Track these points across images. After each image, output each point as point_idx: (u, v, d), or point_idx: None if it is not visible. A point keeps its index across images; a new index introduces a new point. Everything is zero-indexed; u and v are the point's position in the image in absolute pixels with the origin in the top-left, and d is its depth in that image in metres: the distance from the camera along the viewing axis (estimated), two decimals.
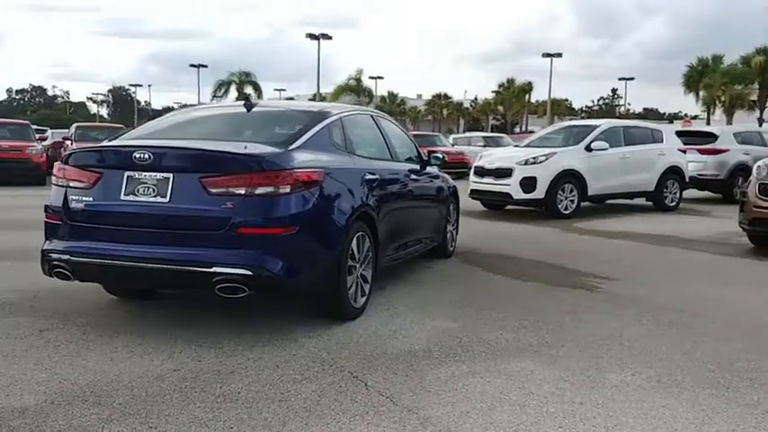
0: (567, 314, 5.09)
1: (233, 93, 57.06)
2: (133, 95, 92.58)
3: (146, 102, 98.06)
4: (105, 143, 4.76)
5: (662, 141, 13.17)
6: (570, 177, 11.62)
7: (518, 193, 11.46)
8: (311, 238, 4.27)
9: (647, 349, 4.26)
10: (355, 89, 56.77)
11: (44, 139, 21.96)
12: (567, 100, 79.36)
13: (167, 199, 4.11)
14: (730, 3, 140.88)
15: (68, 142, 20.45)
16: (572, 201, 11.68)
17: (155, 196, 4.13)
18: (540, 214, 11.75)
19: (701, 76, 41.29)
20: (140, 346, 4.15)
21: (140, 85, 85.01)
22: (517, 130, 62.46)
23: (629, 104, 62.25)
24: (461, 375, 3.74)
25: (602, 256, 7.86)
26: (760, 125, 37.33)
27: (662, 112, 75.35)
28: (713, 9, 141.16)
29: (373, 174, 5.20)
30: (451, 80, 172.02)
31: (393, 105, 76.95)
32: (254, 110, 5.30)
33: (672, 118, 64.22)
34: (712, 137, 15.03)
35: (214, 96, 54.47)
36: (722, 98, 38.81)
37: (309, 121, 4.92)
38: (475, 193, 12.36)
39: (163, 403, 3.29)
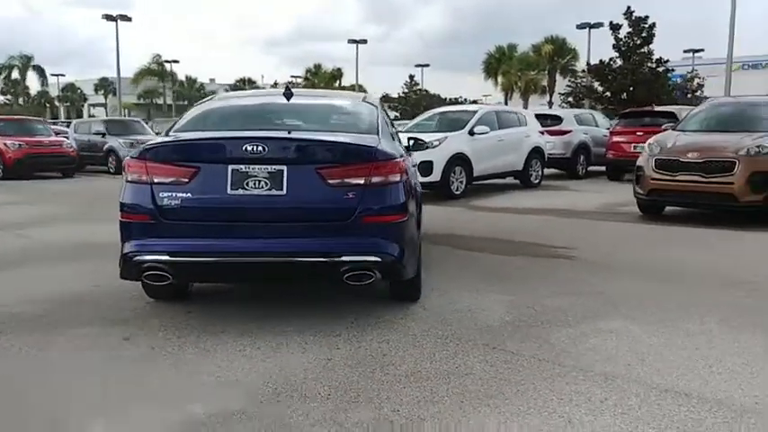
0: (581, 282, 5.74)
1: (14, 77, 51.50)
2: None
3: None
4: (188, 136, 4.49)
5: (526, 124, 14.54)
6: (459, 160, 12.46)
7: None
8: (412, 223, 4.47)
9: (682, 303, 5.01)
10: (158, 73, 53.93)
11: None
12: (361, 86, 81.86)
13: (284, 191, 4.06)
14: None
15: None
16: (461, 182, 12.54)
17: (269, 189, 4.06)
18: (434, 196, 12.41)
19: (499, 63, 45.28)
20: (260, 341, 4.09)
21: None
22: None
23: (427, 90, 65.58)
24: (579, 336, 4.21)
25: (531, 230, 8.70)
26: (550, 107, 41.79)
27: (443, 97, 79.55)
28: (486, 2, 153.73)
29: (412, 161, 5.46)
30: (239, 64, 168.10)
31: (192, 90, 74.14)
32: (306, 99, 5.25)
33: (455, 102, 68.81)
34: (558, 119, 16.81)
35: None
36: (518, 83, 43.00)
37: (369, 110, 5.06)
38: None
39: (368, 390, 3.38)
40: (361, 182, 4.12)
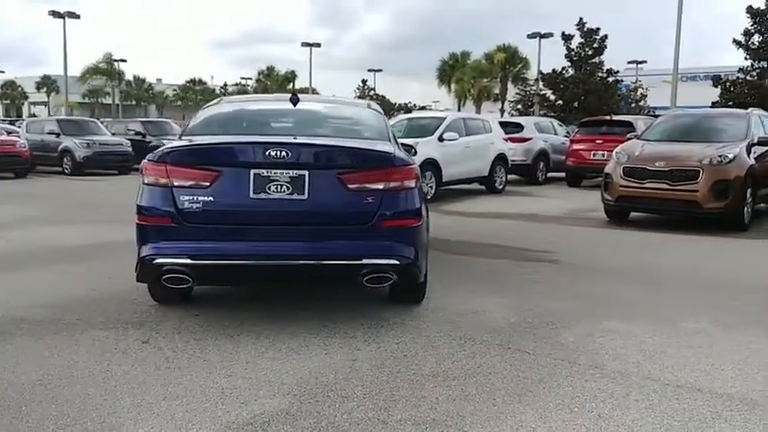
0: (570, 284, 5.96)
1: None
2: None
3: None
4: (210, 140, 4.51)
5: (491, 131, 14.85)
6: (430, 165, 12.65)
7: None
8: (425, 227, 4.60)
9: (671, 304, 5.27)
10: (107, 72, 52.72)
11: None
12: (314, 89, 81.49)
13: (306, 196, 4.14)
14: (448, 5, 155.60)
15: None
16: (431, 186, 12.73)
17: (290, 193, 4.13)
18: None
19: (452, 70, 45.88)
20: (278, 343, 4.16)
21: None
22: None
23: (384, 96, 65.93)
24: (585, 336, 4.40)
25: (507, 234, 8.94)
26: (502, 114, 42.63)
27: (393, 102, 79.77)
28: (431, 9, 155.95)
29: None
30: (187, 64, 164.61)
31: (140, 91, 72.73)
32: (314, 105, 5.32)
33: (405, 107, 69.02)
34: (519, 127, 17.21)
35: None
36: (472, 91, 43.66)
37: (377, 118, 5.18)
38: None
39: (400, 389, 3.49)
40: (380, 187, 4.23)
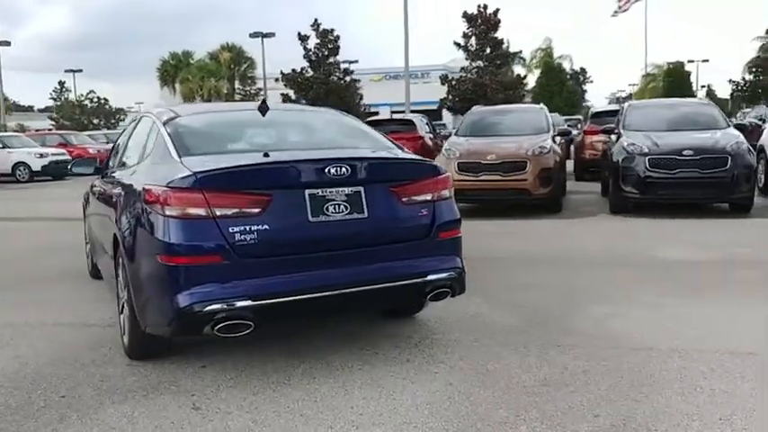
0: (507, 276, 6.28)
1: None
2: None
3: None
4: (246, 161, 3.74)
5: None
6: None
7: None
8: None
9: (616, 285, 5.82)
10: None
11: None
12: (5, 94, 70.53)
13: (365, 214, 3.77)
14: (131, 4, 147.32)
15: None
16: None
17: (350, 213, 3.73)
18: None
19: (176, 71, 43.61)
20: (347, 382, 3.74)
21: None
22: None
23: (106, 99, 59.21)
24: (599, 322, 4.69)
25: None
26: None
27: (113, 107, 72.08)
28: (113, 9, 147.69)
29: None
30: None
31: None
32: (298, 114, 4.76)
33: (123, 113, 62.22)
34: None
35: None
36: (200, 91, 41.93)
37: (365, 126, 4.91)
38: None
39: (540, 403, 3.39)
40: (429, 198, 4.05)
